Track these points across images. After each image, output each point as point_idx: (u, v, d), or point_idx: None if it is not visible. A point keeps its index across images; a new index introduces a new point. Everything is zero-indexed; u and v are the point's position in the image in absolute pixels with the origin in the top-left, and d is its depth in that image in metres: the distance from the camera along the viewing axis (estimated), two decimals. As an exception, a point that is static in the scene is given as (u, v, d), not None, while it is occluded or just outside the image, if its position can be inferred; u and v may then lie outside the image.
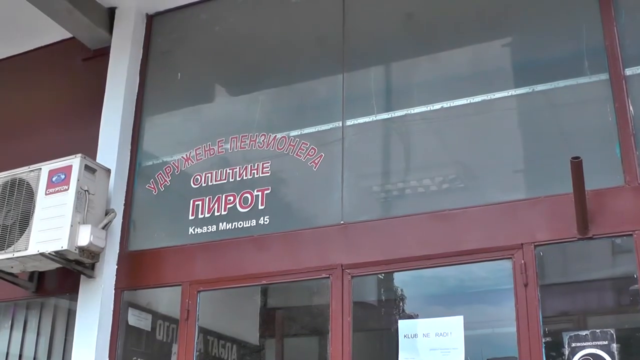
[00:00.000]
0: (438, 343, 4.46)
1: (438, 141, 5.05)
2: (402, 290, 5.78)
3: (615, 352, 4.00)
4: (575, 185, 4.10)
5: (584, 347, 4.08)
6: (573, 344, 4.12)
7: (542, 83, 4.70)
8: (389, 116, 5.17)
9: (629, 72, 4.44)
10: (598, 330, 4.10)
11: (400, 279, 5.64)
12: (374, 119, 5.17)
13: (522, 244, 4.36)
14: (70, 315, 5.69)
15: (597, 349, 4.06)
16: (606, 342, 4.05)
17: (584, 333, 4.13)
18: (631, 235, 4.13)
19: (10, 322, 6.12)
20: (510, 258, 4.37)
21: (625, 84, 4.40)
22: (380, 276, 5.94)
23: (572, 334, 4.15)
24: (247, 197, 5.32)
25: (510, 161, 4.73)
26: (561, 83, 4.65)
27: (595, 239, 4.24)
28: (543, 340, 4.16)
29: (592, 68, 4.57)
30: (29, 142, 6.35)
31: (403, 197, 5.00)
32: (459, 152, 4.91)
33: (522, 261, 4.32)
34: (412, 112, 5.06)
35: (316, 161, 5.17)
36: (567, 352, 4.11)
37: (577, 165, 4.03)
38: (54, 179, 5.31)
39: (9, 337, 6.09)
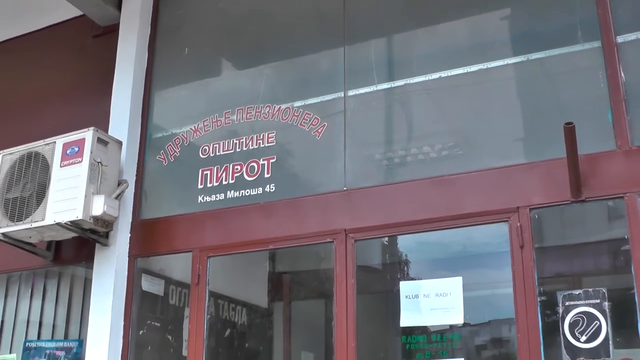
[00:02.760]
0: (438, 303, 4.51)
1: (437, 109, 5.06)
2: (403, 253, 5.83)
3: (607, 310, 4.04)
4: (569, 150, 4.12)
5: (577, 306, 4.12)
6: (567, 303, 4.15)
7: (537, 52, 4.70)
8: (389, 86, 5.16)
9: (620, 39, 4.43)
10: (591, 289, 4.14)
11: (401, 243, 5.68)
12: (375, 89, 5.18)
13: (518, 208, 4.39)
14: (87, 283, 5.76)
15: (590, 307, 4.09)
16: (598, 301, 4.09)
17: (577, 292, 4.16)
18: (622, 197, 4.16)
19: (30, 290, 6.19)
20: (507, 221, 4.40)
21: (617, 51, 4.39)
22: (384, 241, 5.99)
23: (566, 293, 4.18)
24: (253, 166, 5.36)
25: (507, 127, 4.74)
26: (555, 51, 4.64)
27: (588, 202, 4.26)
28: (538, 300, 4.20)
29: (585, 36, 4.57)
30: (44, 117, 6.39)
31: (404, 164, 5.02)
32: (457, 120, 4.93)
33: (518, 224, 4.35)
34: (412, 81, 5.06)
35: (319, 130, 5.20)
36: (561, 311, 4.15)
37: (570, 131, 4.05)
38: (68, 151, 5.36)
39: (29, 305, 6.16)
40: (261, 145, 5.39)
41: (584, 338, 4.07)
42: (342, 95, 5.22)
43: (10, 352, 6.01)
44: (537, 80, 4.75)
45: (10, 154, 5.62)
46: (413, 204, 4.72)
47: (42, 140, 5.52)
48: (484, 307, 5.99)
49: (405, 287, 4.67)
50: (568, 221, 4.84)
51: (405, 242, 5.82)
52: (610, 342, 3.99)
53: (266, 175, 5.28)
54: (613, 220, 4.52)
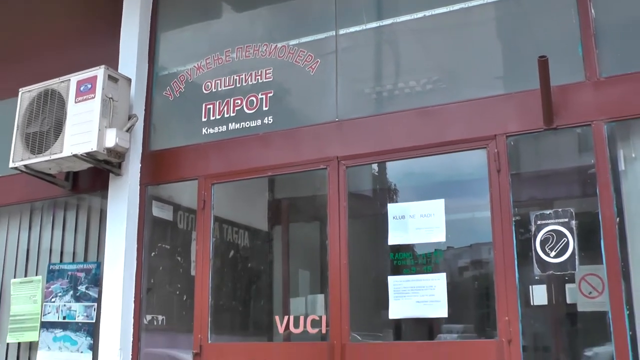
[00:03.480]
0: (423, 223, 4.60)
1: (422, 46, 5.05)
2: (391, 180, 5.90)
3: (574, 228, 4.14)
4: (542, 82, 4.17)
5: (547, 224, 4.22)
6: (539, 222, 4.25)
7: (514, -10, 4.69)
8: (378, 25, 5.15)
9: (592, -23, 4.41)
10: (560, 209, 4.23)
11: (389, 170, 5.75)
12: (364, 28, 5.17)
13: (495, 135, 4.45)
14: (103, 214, 5.81)
15: (559, 225, 4.20)
16: (567, 220, 4.19)
17: (548, 212, 4.24)
18: (590, 125, 4.22)
19: (51, 221, 6.24)
20: (485, 147, 4.46)
21: (589, -11, 4.38)
22: (373, 170, 6.05)
23: (538, 212, 4.26)
24: (252, 100, 5.39)
25: (486, 62, 4.73)
26: (531, -11, 4.63)
27: (559, 129, 4.32)
28: (513, 219, 4.29)
29: (559, -26, 4.54)
30: (57, 57, 6.31)
31: (391, 97, 5.03)
32: (440, 56, 4.93)
33: (496, 150, 4.41)
34: (398, 20, 5.05)
35: (313, 67, 5.21)
36: (533, 229, 4.24)
37: (543, 64, 4.11)
38: (81, 88, 5.38)
39: (51, 234, 6.22)
40: (259, 81, 5.40)
41: (553, 253, 4.19)
42: (334, 34, 5.20)
43: (36, 275, 6.11)
44: (514, 17, 4.75)
45: (29, 91, 5.66)
46: (400, 133, 4.76)
47: (57, 78, 5.54)
48: (465, 231, 6.08)
49: (392, 209, 4.74)
50: (541, 149, 4.90)
51: (393, 169, 5.89)
52: (576, 257, 4.11)
53: (264, 108, 5.32)
54: (582, 147, 4.54)
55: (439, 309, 4.45)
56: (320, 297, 5.85)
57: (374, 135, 4.84)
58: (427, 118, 4.73)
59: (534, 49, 4.40)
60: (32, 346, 5.94)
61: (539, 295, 7.35)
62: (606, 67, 4.29)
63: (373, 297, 5.44)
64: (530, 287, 7.13)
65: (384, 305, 4.61)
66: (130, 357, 5.37)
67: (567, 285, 6.28)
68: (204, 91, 5.62)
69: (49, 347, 5.71)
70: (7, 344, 6.07)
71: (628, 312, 3.92)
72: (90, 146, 5.22)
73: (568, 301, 5.54)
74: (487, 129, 4.49)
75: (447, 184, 5.38)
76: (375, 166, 6.07)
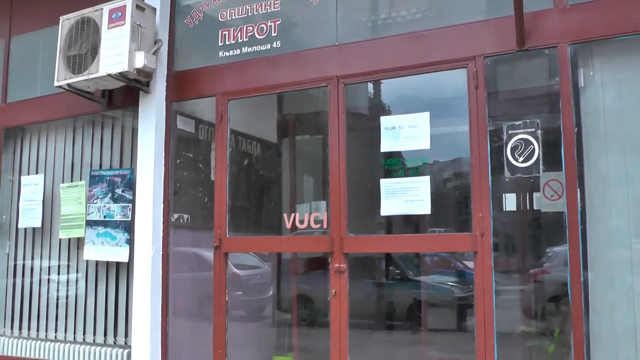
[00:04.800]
0: (410, 133, 4.66)
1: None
2: (384, 100, 5.98)
3: (540, 137, 4.24)
4: (516, 8, 4.18)
5: (517, 134, 4.30)
6: (510, 131, 4.32)
7: None
8: (374, -42, 5.09)
9: None
10: (528, 120, 4.30)
11: (382, 90, 5.82)
12: (363, -39, 5.10)
13: (474, 56, 4.47)
14: (134, 132, 5.85)
15: (527, 134, 4.28)
16: (533, 129, 4.27)
17: (518, 123, 4.31)
18: (556, 47, 4.25)
19: (91, 139, 6.31)
20: (465, 67, 4.50)
21: None
22: (368, 89, 6.12)
23: (510, 123, 4.33)
24: (262, 27, 5.39)
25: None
26: None
27: (530, 50, 4.34)
28: (488, 129, 4.37)
29: None
30: None
31: (385, 25, 5.01)
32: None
33: (475, 69, 4.44)
34: (393, -46, 4.98)
35: (316, -3, 5.21)
36: (505, 138, 4.33)
37: (518, -9, 4.14)
38: (113, 16, 5.39)
39: (91, 151, 6.29)
40: (269, 10, 5.38)
41: (521, 159, 4.29)
42: (334, -34, 5.15)
43: (80, 180, 6.23)
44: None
45: (68, 19, 5.67)
46: (391, 54, 4.78)
47: (92, 7, 5.54)
48: (448, 146, 6.17)
49: (384, 121, 4.78)
50: (514, 70, 4.97)
51: (385, 91, 5.96)
52: (541, 162, 4.21)
53: (273, 34, 5.32)
54: (551, 70, 4.53)
55: (423, 207, 4.55)
56: (323, 203, 6.02)
57: (369, 57, 4.86)
58: (415, 42, 4.74)
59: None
60: (79, 242, 6.12)
61: (510, 202, 7.54)
62: (574, -5, 4.29)
63: (367, 201, 5.55)
64: (503, 195, 7.31)
65: (377, 209, 4.70)
66: (161, 249, 5.55)
67: (534, 194, 6.43)
68: (220, 19, 5.60)
69: (93, 242, 5.89)
70: (60, 239, 6.27)
71: (581, 208, 4.05)
72: (122, 67, 5.27)
73: (535, 207, 5.68)
74: (467, 50, 4.51)
75: (433, 103, 5.44)
76: (370, 88, 6.14)
